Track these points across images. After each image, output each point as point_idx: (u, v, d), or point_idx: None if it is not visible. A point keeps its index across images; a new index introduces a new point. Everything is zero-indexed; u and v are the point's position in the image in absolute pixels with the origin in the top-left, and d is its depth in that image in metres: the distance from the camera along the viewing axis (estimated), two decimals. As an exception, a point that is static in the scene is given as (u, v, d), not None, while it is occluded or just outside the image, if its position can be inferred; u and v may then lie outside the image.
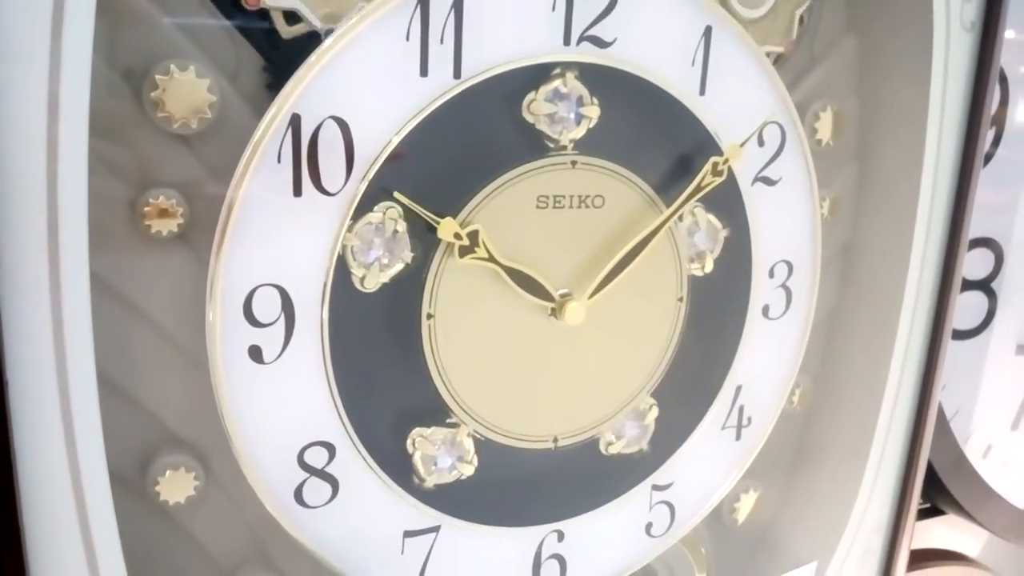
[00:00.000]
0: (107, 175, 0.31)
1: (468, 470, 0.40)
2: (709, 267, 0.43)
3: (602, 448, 0.43)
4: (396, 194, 0.35)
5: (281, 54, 0.34)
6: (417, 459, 0.39)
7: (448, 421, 0.39)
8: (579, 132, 0.38)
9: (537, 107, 0.37)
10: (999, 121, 0.62)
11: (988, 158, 0.62)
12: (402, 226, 0.35)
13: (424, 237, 0.36)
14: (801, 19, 0.44)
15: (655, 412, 0.44)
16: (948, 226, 0.48)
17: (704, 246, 0.42)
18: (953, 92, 0.44)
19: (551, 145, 0.38)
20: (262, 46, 0.34)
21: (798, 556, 0.53)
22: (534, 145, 0.37)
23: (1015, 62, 0.61)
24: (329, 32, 0.33)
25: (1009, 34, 0.54)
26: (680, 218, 0.41)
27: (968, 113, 0.45)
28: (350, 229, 0.34)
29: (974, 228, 0.51)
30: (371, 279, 0.35)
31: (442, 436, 0.39)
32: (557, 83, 0.37)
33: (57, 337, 0.29)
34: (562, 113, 0.37)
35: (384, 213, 0.35)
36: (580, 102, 0.37)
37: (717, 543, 0.52)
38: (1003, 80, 0.60)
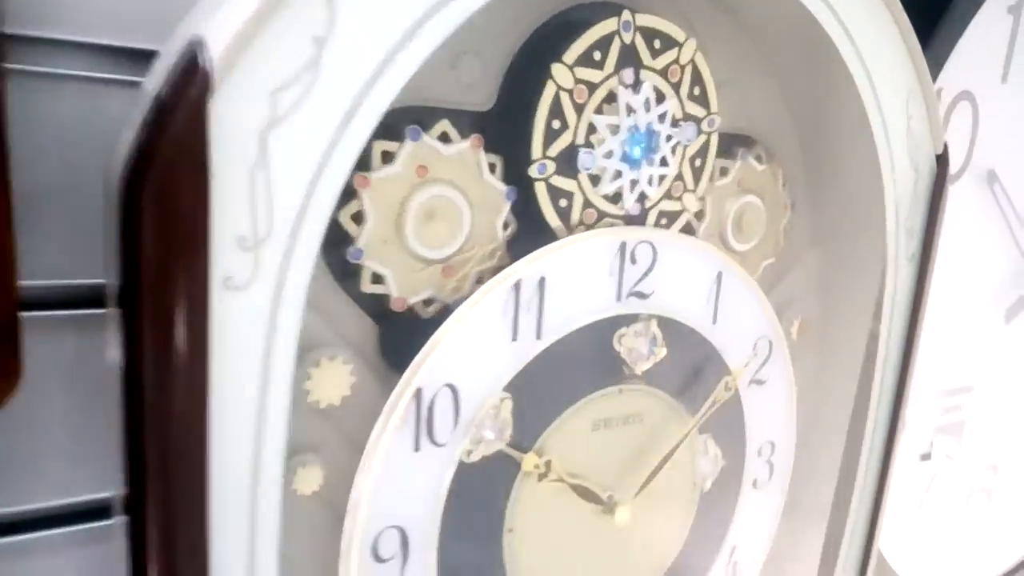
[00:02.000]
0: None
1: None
2: (707, 487, 0.50)
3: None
4: (494, 440, 0.39)
5: (397, 329, 0.38)
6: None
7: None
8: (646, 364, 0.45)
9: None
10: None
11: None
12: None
13: (508, 466, 0.41)
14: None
15: (672, 576, 0.50)
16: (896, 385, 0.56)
17: (707, 469, 0.49)
18: (898, 317, 0.53)
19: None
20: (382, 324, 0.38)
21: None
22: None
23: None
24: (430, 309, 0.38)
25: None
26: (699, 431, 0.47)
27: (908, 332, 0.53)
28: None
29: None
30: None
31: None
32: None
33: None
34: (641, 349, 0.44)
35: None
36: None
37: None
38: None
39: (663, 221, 0.44)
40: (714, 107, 0.44)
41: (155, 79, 0.27)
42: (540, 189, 0.39)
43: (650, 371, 0.45)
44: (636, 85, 0.41)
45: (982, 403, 0.79)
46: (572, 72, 0.39)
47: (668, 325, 0.45)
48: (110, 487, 0.29)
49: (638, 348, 0.45)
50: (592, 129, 0.40)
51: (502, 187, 0.38)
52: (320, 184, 0.29)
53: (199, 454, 0.28)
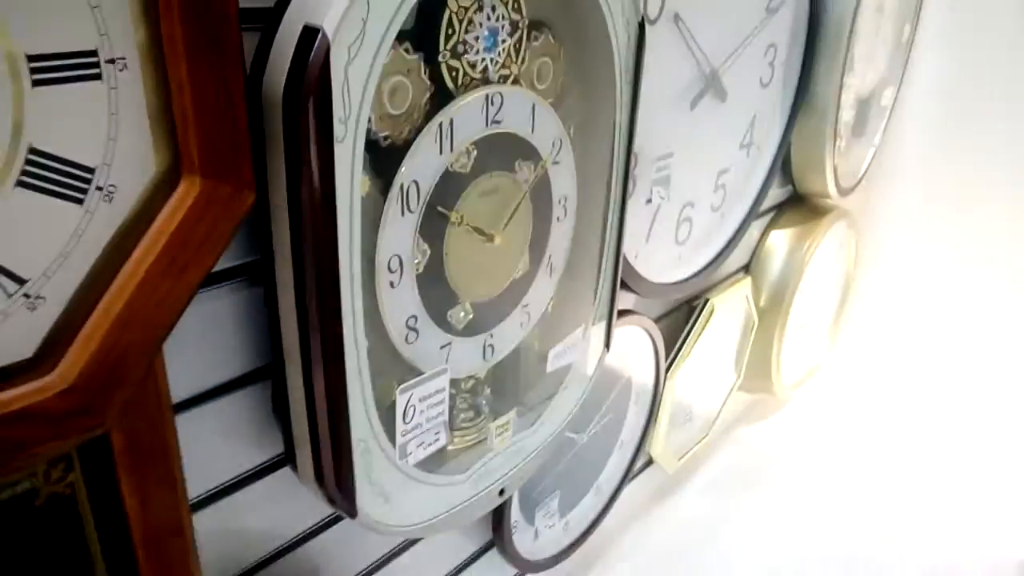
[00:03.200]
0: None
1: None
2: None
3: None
4: (438, 208, 0.75)
5: (378, 154, 0.71)
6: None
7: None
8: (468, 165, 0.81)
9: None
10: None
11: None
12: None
13: (442, 221, 0.78)
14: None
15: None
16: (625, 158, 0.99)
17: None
18: (624, 115, 0.93)
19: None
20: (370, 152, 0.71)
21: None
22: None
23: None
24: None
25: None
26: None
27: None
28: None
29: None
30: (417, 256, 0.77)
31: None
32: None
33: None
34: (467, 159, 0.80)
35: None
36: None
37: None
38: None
39: (505, 78, 0.80)
40: (526, 13, 0.79)
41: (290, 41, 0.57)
42: (444, 71, 0.73)
43: (484, 164, 0.81)
44: (490, 8, 0.74)
45: (679, 162, 1.27)
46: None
47: (508, 137, 0.82)
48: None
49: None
50: (468, 31, 0.73)
51: (427, 80, 0.71)
52: (368, 85, 0.61)
53: (332, 222, 0.62)
